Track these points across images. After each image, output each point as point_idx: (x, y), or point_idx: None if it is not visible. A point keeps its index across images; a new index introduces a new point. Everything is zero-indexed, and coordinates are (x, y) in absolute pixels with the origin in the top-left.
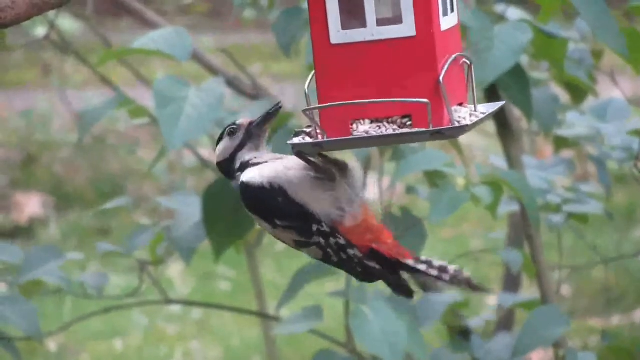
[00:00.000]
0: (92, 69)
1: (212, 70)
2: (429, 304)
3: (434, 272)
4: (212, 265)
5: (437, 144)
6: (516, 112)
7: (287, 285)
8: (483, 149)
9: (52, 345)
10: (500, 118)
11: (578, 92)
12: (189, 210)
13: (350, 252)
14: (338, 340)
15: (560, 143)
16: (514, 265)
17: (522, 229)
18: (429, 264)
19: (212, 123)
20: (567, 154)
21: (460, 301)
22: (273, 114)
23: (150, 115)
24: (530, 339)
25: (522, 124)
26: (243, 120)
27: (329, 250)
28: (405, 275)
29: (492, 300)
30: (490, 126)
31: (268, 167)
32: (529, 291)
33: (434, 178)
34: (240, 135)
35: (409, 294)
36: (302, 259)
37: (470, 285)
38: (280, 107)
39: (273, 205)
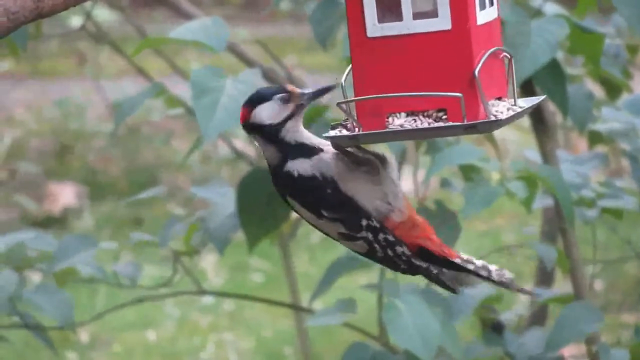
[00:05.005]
0: (128, 58)
1: (247, 62)
2: (462, 298)
3: (484, 273)
4: (245, 256)
5: (471, 138)
6: (551, 107)
7: (321, 278)
8: (517, 143)
9: (83, 335)
10: (535, 113)
11: (613, 88)
12: (223, 200)
13: (399, 249)
14: (371, 333)
15: (595, 138)
16: (548, 260)
17: (556, 224)
18: (471, 262)
19: None
20: (601, 148)
21: (493, 295)
22: (327, 90)
23: (185, 106)
24: (563, 333)
25: (557, 119)
26: (291, 87)
27: (376, 245)
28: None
29: (524, 295)
30: (525, 120)
31: (319, 158)
32: (562, 286)
33: (469, 172)
34: (291, 106)
35: (452, 290)
36: (336, 251)
37: (513, 287)
38: (335, 87)
39: (322, 196)
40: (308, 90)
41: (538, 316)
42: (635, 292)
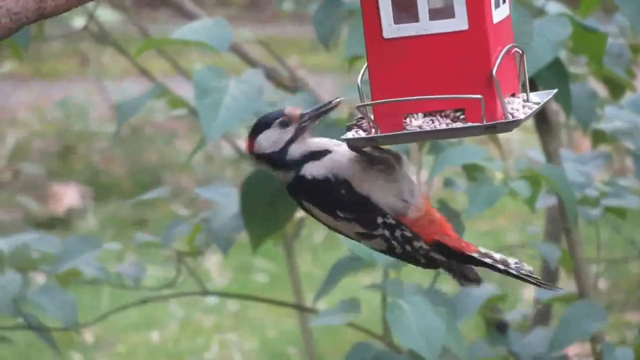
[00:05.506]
0: (131, 59)
1: (250, 62)
2: (466, 298)
3: (500, 266)
4: (249, 257)
5: (475, 138)
6: (554, 106)
7: (324, 278)
8: (520, 142)
9: (88, 336)
10: (539, 112)
11: (616, 87)
12: (227, 201)
13: (417, 244)
14: (375, 333)
15: (598, 137)
16: (552, 260)
17: (560, 223)
18: (490, 256)
19: (251, 114)
20: (604, 147)
21: (498, 295)
22: (327, 111)
23: (188, 107)
24: (567, 333)
25: (560, 118)
26: (291, 109)
27: (393, 242)
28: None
29: (529, 294)
30: (528, 120)
31: (330, 158)
32: (566, 285)
33: (472, 171)
34: (292, 129)
35: (474, 282)
36: (339, 251)
37: (532, 280)
38: (336, 106)
39: (336, 197)
40: (308, 110)
41: (542, 315)
42: (639, 291)
